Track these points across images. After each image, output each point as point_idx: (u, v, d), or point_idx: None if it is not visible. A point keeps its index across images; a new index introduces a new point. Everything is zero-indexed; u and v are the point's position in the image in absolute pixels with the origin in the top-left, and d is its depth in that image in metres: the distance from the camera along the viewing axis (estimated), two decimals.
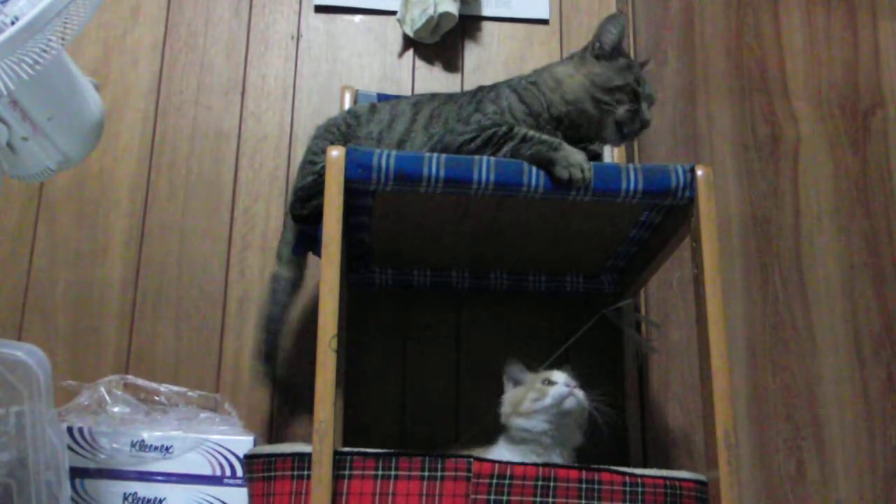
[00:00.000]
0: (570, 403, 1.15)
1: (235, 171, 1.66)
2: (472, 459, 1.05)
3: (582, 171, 1.11)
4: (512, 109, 1.26)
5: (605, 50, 1.27)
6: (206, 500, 1.28)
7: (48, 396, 1.11)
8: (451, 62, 1.76)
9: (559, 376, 1.19)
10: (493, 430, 1.23)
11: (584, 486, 1.05)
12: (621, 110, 1.25)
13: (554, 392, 1.16)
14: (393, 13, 1.75)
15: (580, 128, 1.27)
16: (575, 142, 1.19)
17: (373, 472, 1.04)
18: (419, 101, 1.37)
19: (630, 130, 1.26)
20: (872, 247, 1.70)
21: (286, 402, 1.52)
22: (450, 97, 1.36)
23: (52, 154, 1.08)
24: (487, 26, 1.79)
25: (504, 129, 1.18)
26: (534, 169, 1.12)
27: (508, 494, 1.04)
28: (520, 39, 1.78)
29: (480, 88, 1.35)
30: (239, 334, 1.56)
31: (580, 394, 1.17)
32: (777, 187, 1.72)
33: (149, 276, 1.59)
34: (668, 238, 1.26)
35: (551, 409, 1.15)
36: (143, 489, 1.28)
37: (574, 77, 1.28)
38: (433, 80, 1.74)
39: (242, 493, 1.24)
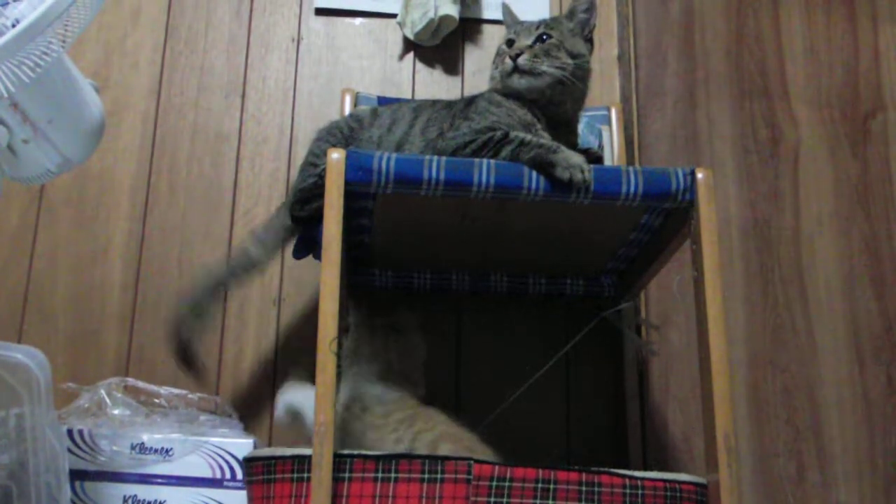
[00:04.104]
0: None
1: (236, 174, 1.66)
2: (472, 462, 1.05)
3: (582, 171, 1.11)
4: (490, 112, 1.26)
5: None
6: (206, 503, 1.28)
7: (48, 399, 1.11)
8: (452, 65, 1.76)
9: None
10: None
11: (584, 488, 1.05)
12: (497, 72, 1.30)
13: None
14: (393, 16, 1.76)
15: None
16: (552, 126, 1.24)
17: (373, 475, 1.04)
18: (420, 106, 1.37)
19: (514, 85, 1.27)
20: (872, 249, 1.70)
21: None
22: (448, 104, 1.37)
23: (52, 156, 1.08)
24: (488, 29, 1.79)
25: (500, 133, 1.18)
26: (534, 171, 1.12)
27: (508, 497, 1.04)
28: None
29: (475, 97, 1.35)
30: (239, 337, 1.56)
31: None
32: (777, 190, 1.72)
33: (149, 278, 1.59)
34: (668, 241, 1.26)
35: None
36: (143, 491, 1.28)
37: None
38: (433, 83, 1.74)
39: (242, 495, 1.24)
